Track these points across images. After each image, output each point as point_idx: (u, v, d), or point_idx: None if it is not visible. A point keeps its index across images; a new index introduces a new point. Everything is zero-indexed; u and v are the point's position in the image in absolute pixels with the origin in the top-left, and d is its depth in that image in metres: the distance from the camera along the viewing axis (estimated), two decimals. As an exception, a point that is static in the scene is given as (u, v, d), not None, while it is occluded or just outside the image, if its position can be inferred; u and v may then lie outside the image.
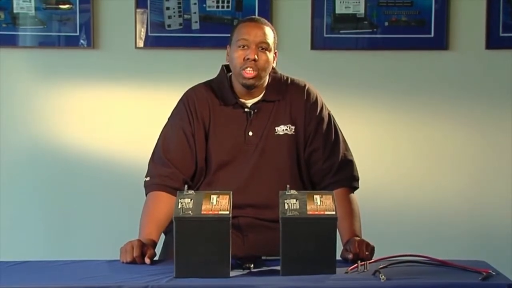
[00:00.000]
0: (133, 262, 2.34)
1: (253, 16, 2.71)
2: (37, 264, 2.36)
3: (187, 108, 2.66)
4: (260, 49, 2.59)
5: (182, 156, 2.62)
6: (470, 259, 2.35)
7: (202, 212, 2.20)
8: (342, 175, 2.65)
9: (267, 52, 2.60)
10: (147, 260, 2.35)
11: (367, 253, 2.39)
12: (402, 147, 3.92)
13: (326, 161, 2.65)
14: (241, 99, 2.66)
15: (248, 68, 2.58)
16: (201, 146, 2.64)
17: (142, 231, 2.51)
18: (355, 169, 2.69)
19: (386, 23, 3.87)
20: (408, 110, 3.91)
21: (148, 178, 2.64)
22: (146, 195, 2.64)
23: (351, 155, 2.71)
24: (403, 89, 3.90)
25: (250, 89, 2.63)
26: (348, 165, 2.68)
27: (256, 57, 2.57)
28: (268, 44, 2.60)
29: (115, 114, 3.92)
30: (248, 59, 2.57)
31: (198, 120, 2.65)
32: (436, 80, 3.90)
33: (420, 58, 3.89)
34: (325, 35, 3.87)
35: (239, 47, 2.59)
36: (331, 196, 2.29)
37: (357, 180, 2.69)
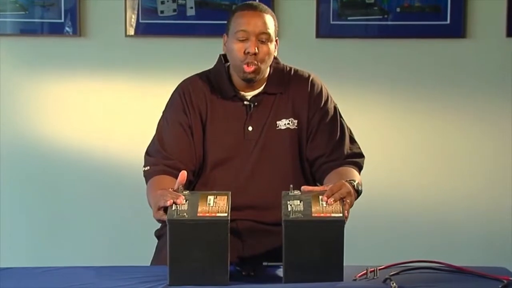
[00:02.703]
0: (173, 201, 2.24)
1: (251, 2, 2.69)
2: (18, 271, 2.36)
3: (182, 100, 2.66)
4: (260, 41, 2.58)
5: (181, 150, 2.62)
6: (489, 266, 2.35)
7: (198, 215, 2.19)
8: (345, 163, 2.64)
9: (268, 43, 2.60)
10: (182, 177, 2.31)
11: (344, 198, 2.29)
12: (413, 144, 3.92)
13: (328, 157, 2.64)
14: (240, 92, 2.67)
15: (249, 63, 2.57)
16: (198, 140, 2.65)
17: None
18: (361, 161, 2.68)
19: (398, 9, 3.87)
20: (421, 103, 3.91)
21: (148, 167, 2.63)
22: (147, 183, 2.61)
23: (359, 148, 2.70)
24: (416, 81, 3.90)
25: (250, 83, 2.64)
26: (355, 157, 2.68)
27: (256, 50, 2.57)
28: (268, 34, 2.60)
29: (104, 107, 3.92)
30: (248, 52, 2.57)
31: (195, 112, 2.65)
32: (452, 71, 3.90)
33: (434, 47, 3.89)
34: (331, 22, 3.87)
35: (238, 39, 2.59)
36: (337, 197, 2.30)
37: (360, 165, 2.67)
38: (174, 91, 2.72)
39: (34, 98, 3.91)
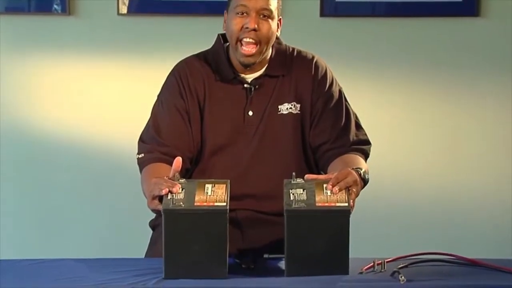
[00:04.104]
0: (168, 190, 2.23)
1: (254, -23, 2.68)
2: (5, 264, 2.35)
3: (179, 82, 2.66)
4: (261, 16, 2.58)
5: (177, 136, 2.62)
6: (503, 258, 2.35)
7: (195, 204, 2.19)
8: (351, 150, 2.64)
9: (270, 20, 2.59)
10: (177, 164, 2.30)
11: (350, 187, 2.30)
12: (422, 129, 3.91)
13: (333, 144, 2.64)
14: (240, 74, 2.66)
15: (247, 39, 2.57)
16: (196, 125, 2.65)
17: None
18: (368, 148, 2.68)
19: (407, -14, 3.87)
20: (431, 87, 3.90)
21: (142, 155, 2.63)
22: (141, 171, 2.61)
23: (365, 135, 2.71)
24: (426, 63, 3.89)
25: (248, 68, 2.63)
26: (361, 144, 2.68)
27: (256, 26, 2.56)
28: (270, 11, 2.59)
29: (95, 91, 3.91)
30: (247, 28, 2.56)
31: (192, 95, 2.65)
32: (466, 52, 3.89)
33: (446, 27, 3.88)
34: (336, 0, 3.87)
35: (237, 14, 2.59)
36: (343, 185, 2.30)
37: (367, 152, 2.67)
38: (170, 73, 2.72)
39: (19, 80, 3.90)
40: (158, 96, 2.73)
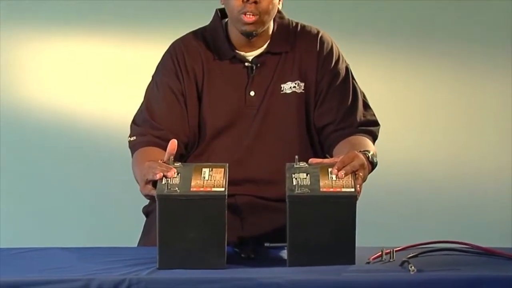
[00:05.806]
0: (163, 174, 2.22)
1: None
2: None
3: (175, 62, 2.66)
4: (262, -12, 2.57)
5: (172, 119, 2.62)
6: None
7: (191, 189, 2.18)
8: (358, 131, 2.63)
9: (271, -8, 2.58)
10: (172, 146, 2.28)
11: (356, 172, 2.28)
12: (434, 109, 3.91)
13: (339, 125, 2.63)
14: (240, 52, 2.66)
15: (248, 13, 2.54)
16: (193, 108, 2.64)
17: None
18: (376, 130, 2.67)
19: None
20: (444, 66, 3.92)
21: (134, 138, 2.63)
22: (132, 155, 2.61)
23: (374, 115, 2.69)
24: (439, 41, 3.91)
25: (250, 37, 2.60)
26: (369, 125, 2.66)
27: None
28: None
29: (86, 70, 3.93)
30: (247, 1, 2.54)
31: (188, 76, 2.64)
32: (482, 30, 3.88)
33: (461, 4, 3.86)
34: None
35: (236, -14, 2.57)
36: (349, 170, 2.28)
37: (375, 134, 2.65)
38: (165, 52, 2.71)
39: (4, 58, 3.89)
40: (153, 76, 2.72)
